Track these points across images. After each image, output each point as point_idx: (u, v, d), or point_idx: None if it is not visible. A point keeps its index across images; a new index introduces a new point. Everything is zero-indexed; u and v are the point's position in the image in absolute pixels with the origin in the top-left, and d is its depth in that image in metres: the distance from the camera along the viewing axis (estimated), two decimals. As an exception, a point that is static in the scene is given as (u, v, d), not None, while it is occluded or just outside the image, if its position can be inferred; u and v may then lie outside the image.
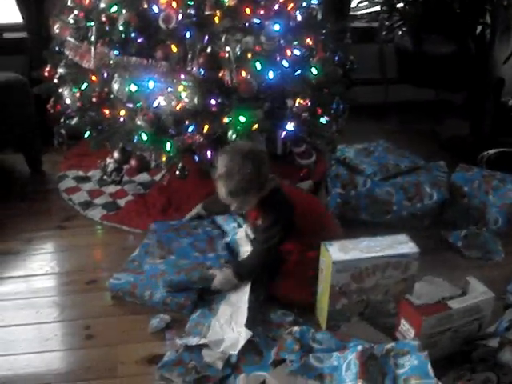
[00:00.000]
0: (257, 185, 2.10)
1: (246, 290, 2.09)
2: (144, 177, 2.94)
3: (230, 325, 1.99)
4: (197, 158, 2.50)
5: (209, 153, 2.45)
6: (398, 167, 2.78)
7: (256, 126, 2.40)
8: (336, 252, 1.96)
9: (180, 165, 2.48)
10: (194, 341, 1.93)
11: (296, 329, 1.94)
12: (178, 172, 2.49)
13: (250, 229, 2.33)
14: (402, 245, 2.03)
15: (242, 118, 2.36)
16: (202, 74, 2.36)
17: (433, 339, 1.90)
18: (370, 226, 2.50)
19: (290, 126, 2.54)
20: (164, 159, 2.47)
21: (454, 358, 1.94)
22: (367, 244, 2.03)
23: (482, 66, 3.37)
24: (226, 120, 2.38)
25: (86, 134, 2.70)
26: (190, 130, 2.42)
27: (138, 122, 2.42)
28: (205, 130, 2.40)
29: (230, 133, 2.35)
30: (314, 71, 2.58)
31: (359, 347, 1.80)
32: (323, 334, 1.95)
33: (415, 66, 3.57)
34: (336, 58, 2.84)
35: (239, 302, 2.07)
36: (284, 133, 2.58)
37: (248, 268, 2.16)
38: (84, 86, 2.58)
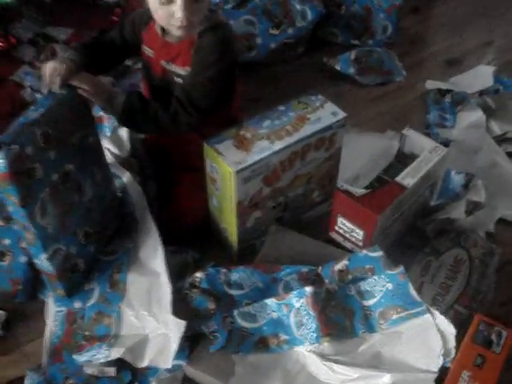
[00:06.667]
0: None
1: (157, 241, 1.32)
2: None
3: (149, 308, 1.26)
4: None
5: None
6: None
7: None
8: (233, 154, 1.27)
9: None
10: (100, 355, 1.18)
11: (200, 275, 1.27)
12: None
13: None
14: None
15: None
16: None
17: (384, 233, 1.37)
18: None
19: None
20: None
21: (407, 242, 1.45)
22: (271, 124, 1.33)
23: None
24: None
25: None
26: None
27: None
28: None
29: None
30: None
31: (307, 289, 1.20)
32: (239, 271, 1.29)
33: None
34: None
35: (153, 264, 1.31)
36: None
37: (148, 114, 1.29)
38: None
